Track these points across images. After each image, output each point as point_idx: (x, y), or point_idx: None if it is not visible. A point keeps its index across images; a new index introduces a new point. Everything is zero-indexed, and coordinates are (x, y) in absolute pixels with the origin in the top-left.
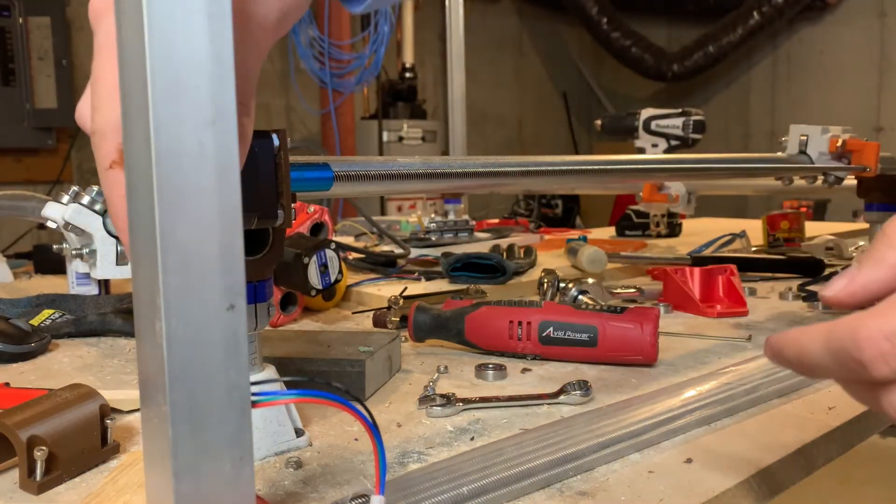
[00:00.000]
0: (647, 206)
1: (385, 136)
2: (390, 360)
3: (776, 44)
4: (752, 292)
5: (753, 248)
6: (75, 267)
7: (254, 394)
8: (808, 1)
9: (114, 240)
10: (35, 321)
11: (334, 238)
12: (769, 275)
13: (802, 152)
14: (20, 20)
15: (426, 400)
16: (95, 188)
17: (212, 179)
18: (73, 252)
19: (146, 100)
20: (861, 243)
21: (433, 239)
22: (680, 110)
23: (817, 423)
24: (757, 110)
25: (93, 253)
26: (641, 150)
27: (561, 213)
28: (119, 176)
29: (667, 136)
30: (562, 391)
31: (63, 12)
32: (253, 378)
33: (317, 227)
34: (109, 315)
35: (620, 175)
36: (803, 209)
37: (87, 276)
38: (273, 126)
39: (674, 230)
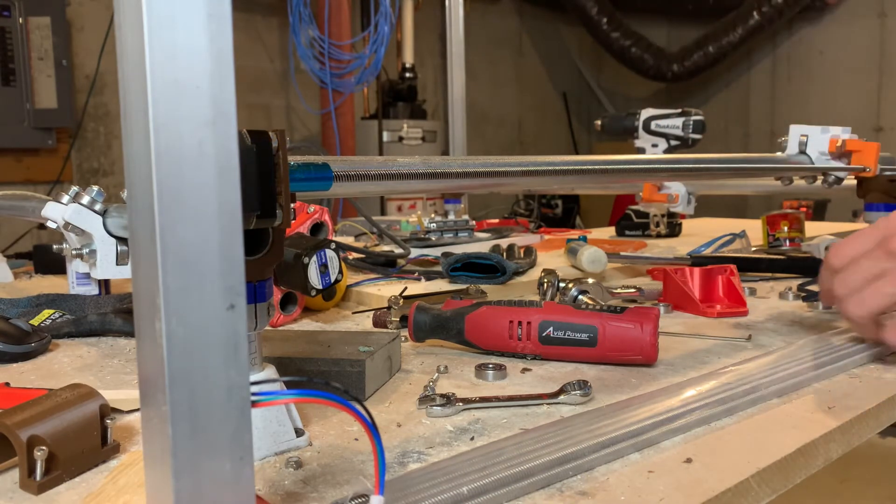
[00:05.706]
0: (647, 206)
1: (385, 136)
2: (390, 360)
3: (776, 44)
4: (752, 292)
5: (753, 248)
6: (75, 267)
7: (254, 393)
8: (807, 1)
9: (114, 240)
10: (35, 321)
11: (334, 238)
12: (769, 275)
13: (802, 152)
14: (20, 20)
15: (426, 400)
16: (95, 188)
17: (211, 179)
18: (73, 252)
19: (146, 100)
20: None
21: (433, 239)
22: (680, 110)
23: (817, 423)
24: (757, 110)
25: (93, 253)
26: (641, 150)
27: (561, 213)
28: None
29: (667, 136)
30: (562, 391)
31: (63, 12)
32: (253, 378)
33: (317, 227)
34: (109, 315)
35: (620, 175)
36: (803, 209)
37: (87, 276)
38: (273, 126)
39: (674, 230)
